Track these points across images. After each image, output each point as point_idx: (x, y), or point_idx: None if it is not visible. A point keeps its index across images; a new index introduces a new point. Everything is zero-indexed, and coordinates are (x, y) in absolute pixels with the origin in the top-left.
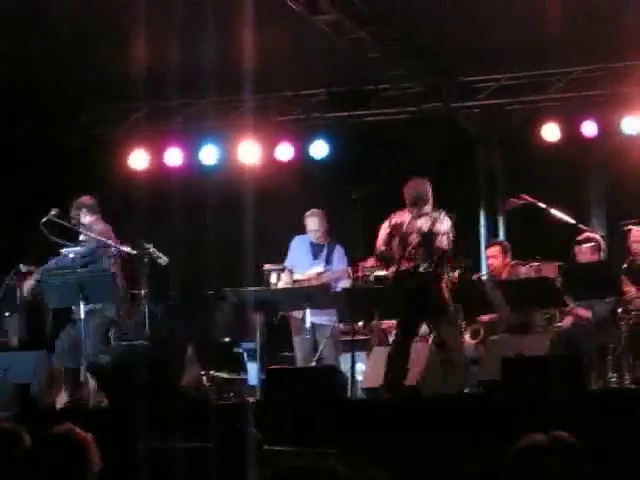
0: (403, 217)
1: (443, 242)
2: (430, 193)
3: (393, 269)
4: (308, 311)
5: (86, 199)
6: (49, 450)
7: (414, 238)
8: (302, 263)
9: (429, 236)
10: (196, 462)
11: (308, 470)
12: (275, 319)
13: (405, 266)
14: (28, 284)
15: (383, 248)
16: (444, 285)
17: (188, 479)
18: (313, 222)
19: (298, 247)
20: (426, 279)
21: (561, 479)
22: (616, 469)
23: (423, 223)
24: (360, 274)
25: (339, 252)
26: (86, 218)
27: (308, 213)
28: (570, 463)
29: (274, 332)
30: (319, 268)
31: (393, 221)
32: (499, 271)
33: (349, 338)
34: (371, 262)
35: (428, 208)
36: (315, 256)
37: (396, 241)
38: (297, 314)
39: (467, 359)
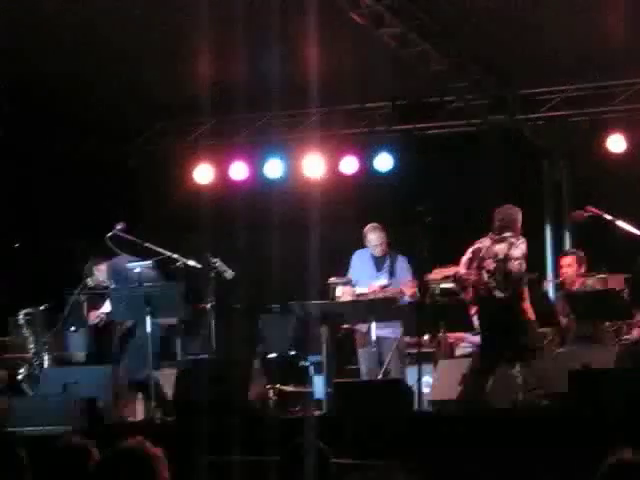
0: (484, 242)
1: (514, 266)
2: (518, 221)
3: (471, 293)
4: (374, 324)
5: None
6: (119, 464)
7: (489, 263)
8: (365, 276)
9: (504, 262)
10: (260, 476)
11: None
12: (340, 334)
13: (482, 292)
14: (95, 315)
15: (462, 272)
16: (529, 316)
17: None
18: (375, 236)
19: (360, 261)
20: (506, 310)
21: None
22: None
23: (500, 249)
24: (426, 286)
25: (402, 263)
26: None
27: (368, 227)
28: None
29: (339, 345)
30: (383, 280)
31: (476, 246)
32: (571, 281)
33: (414, 351)
34: (438, 274)
35: (510, 234)
36: (378, 268)
37: (474, 265)
38: (362, 327)
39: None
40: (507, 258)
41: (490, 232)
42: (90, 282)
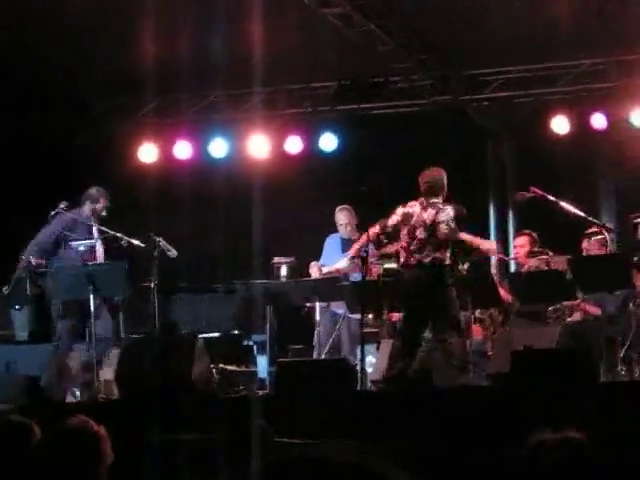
0: (414, 208)
1: (442, 229)
2: (444, 184)
3: (402, 260)
4: (317, 304)
5: (91, 190)
6: (62, 442)
7: (420, 232)
8: (333, 258)
9: (433, 228)
10: (204, 454)
11: (311, 459)
12: (303, 310)
13: (411, 260)
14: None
15: (390, 229)
16: (451, 284)
17: (196, 471)
18: (343, 216)
19: (329, 245)
20: (432, 276)
21: (572, 478)
22: (625, 463)
23: (428, 216)
24: (370, 266)
25: (367, 248)
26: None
27: (338, 208)
28: (580, 462)
29: (285, 325)
30: (345, 260)
31: (405, 210)
32: (524, 261)
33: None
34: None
35: (438, 200)
36: (344, 250)
37: (404, 231)
38: (323, 304)
39: (476, 352)
40: (435, 223)
41: (420, 197)
42: (32, 260)
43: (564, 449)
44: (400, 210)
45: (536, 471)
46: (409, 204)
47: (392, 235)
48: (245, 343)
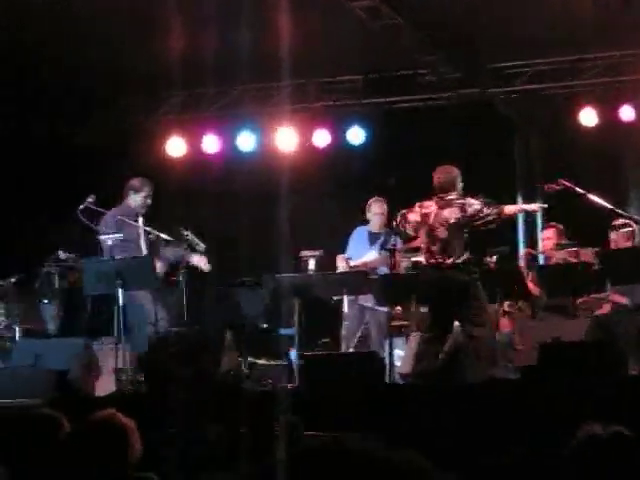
0: (430, 208)
1: (480, 222)
2: (457, 180)
3: (424, 261)
4: (346, 298)
5: (133, 181)
6: (90, 435)
7: (440, 232)
8: (360, 251)
9: (456, 228)
10: (232, 448)
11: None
12: (331, 302)
13: (434, 260)
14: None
15: (412, 225)
16: (478, 283)
17: (223, 465)
18: (378, 206)
19: (357, 237)
20: (457, 276)
21: (621, 473)
22: None
23: (449, 214)
24: (397, 259)
25: (394, 240)
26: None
27: (374, 199)
28: (630, 458)
29: (313, 318)
30: (374, 253)
31: (423, 211)
32: (551, 253)
33: (398, 323)
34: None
35: (454, 195)
36: (372, 243)
37: (424, 232)
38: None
39: (504, 345)
40: (464, 220)
41: (433, 196)
42: (61, 254)
43: (615, 444)
44: (417, 209)
45: (586, 465)
46: (425, 204)
47: (413, 229)
48: (274, 336)
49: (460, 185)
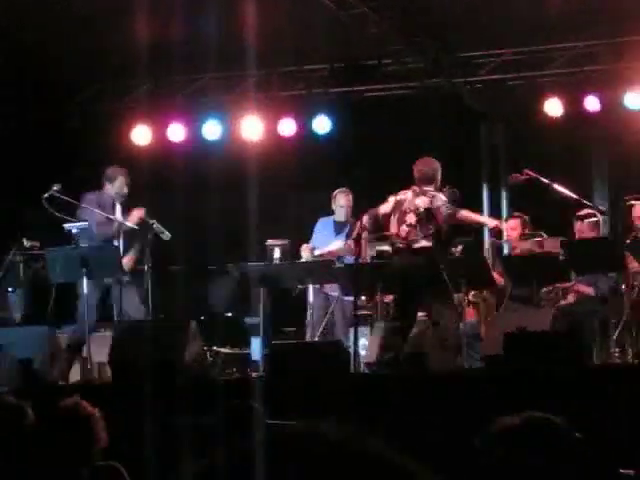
0: (406, 195)
1: (442, 210)
2: (438, 174)
3: (393, 247)
4: (311, 287)
5: (108, 170)
6: (55, 424)
7: (410, 217)
8: (325, 241)
9: (425, 215)
10: (198, 437)
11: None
12: (294, 292)
13: (401, 244)
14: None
15: (380, 218)
16: (441, 266)
17: (190, 454)
18: (343, 198)
19: (322, 228)
20: (423, 261)
21: (537, 460)
22: (616, 445)
23: (420, 202)
24: (363, 248)
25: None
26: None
27: (339, 190)
28: (547, 443)
29: (279, 307)
30: (339, 242)
31: (398, 197)
32: (516, 243)
33: (362, 313)
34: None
35: (431, 188)
36: (337, 233)
37: (395, 218)
38: (317, 286)
39: (469, 335)
40: (430, 210)
41: (412, 185)
42: (25, 242)
43: (524, 431)
44: (392, 198)
45: (495, 458)
46: (401, 192)
47: (383, 224)
48: (238, 325)
49: (439, 177)
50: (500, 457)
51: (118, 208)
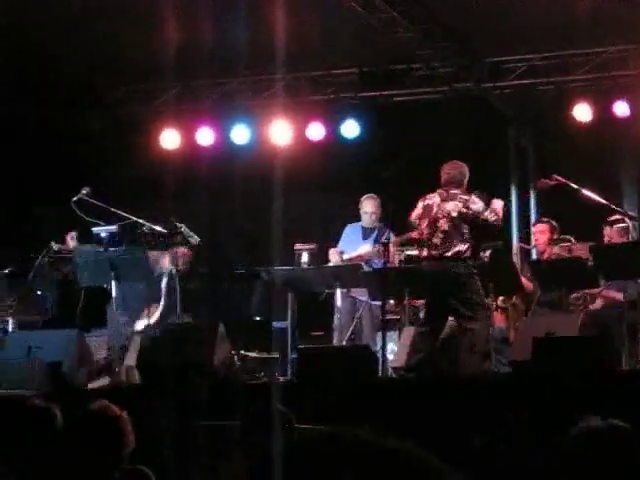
0: (434, 199)
1: (491, 217)
2: (466, 177)
3: (424, 253)
4: (339, 291)
5: None
6: (84, 427)
7: (443, 223)
8: (353, 246)
9: (458, 220)
10: (224, 440)
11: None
12: (321, 296)
13: (434, 251)
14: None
15: (416, 222)
16: (476, 277)
17: (216, 457)
18: (370, 205)
19: (350, 233)
20: (456, 269)
21: (618, 467)
22: None
23: (452, 207)
24: (391, 253)
25: (388, 234)
26: None
27: (365, 196)
28: (625, 451)
29: (307, 311)
30: (368, 247)
31: (425, 202)
32: (544, 248)
33: (391, 317)
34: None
35: (459, 191)
36: (365, 238)
37: (425, 223)
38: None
39: (498, 340)
40: (466, 215)
41: (438, 188)
42: (54, 246)
43: (613, 437)
44: (420, 204)
45: (582, 458)
46: (428, 196)
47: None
48: (266, 329)
49: (466, 181)
50: (582, 459)
51: None
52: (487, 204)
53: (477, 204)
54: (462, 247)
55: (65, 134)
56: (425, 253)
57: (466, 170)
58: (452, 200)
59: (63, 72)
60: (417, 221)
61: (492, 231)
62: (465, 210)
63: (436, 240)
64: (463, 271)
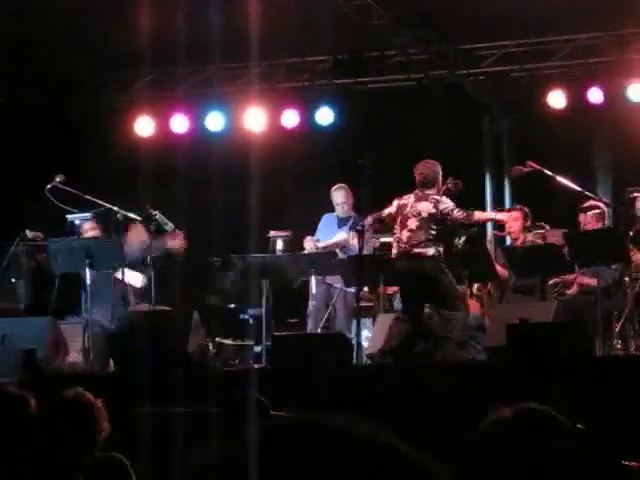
0: (409, 199)
1: (458, 215)
2: (439, 176)
3: (394, 251)
4: (313, 278)
5: None
6: (58, 414)
7: (412, 222)
8: (328, 236)
9: (426, 220)
10: (199, 427)
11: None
12: (296, 283)
13: (403, 248)
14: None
15: (384, 216)
16: (446, 271)
17: (191, 444)
18: (340, 195)
19: (326, 223)
20: (425, 267)
21: (530, 452)
22: (618, 437)
23: (424, 207)
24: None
25: (362, 223)
26: None
27: (334, 187)
28: (541, 433)
29: (281, 299)
30: (343, 234)
31: (401, 201)
32: (517, 235)
33: (364, 304)
34: (368, 220)
35: (433, 191)
36: (340, 227)
37: (398, 221)
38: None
39: (473, 327)
40: (436, 215)
41: (416, 189)
42: (29, 234)
43: (520, 421)
44: (395, 202)
45: (491, 450)
46: (405, 196)
47: (386, 223)
48: (241, 317)
49: (440, 179)
50: (495, 449)
51: None
52: (460, 192)
53: (446, 204)
54: (430, 248)
55: (42, 121)
56: (395, 251)
57: (439, 169)
58: (425, 200)
59: (39, 59)
60: (387, 216)
61: (461, 227)
62: (434, 210)
63: (404, 238)
64: (432, 269)
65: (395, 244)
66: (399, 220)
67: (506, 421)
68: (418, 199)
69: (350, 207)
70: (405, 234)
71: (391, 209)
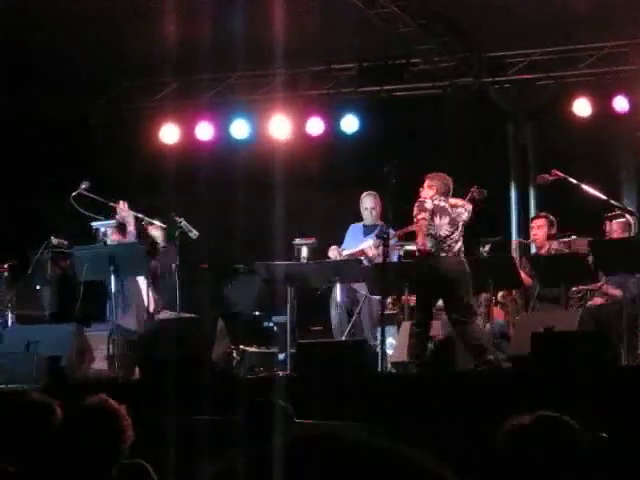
0: (442, 203)
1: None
2: (450, 187)
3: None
4: (338, 285)
5: None
6: (83, 421)
7: (460, 226)
8: (355, 245)
9: (462, 227)
10: (224, 436)
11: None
12: (320, 290)
13: (428, 249)
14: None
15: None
16: (468, 275)
17: (215, 453)
18: (370, 201)
19: (352, 233)
20: (450, 266)
21: (548, 460)
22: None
23: (461, 212)
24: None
25: (387, 230)
26: None
27: (365, 193)
28: (558, 443)
29: (305, 306)
30: (370, 242)
31: (435, 203)
32: (542, 243)
33: (390, 311)
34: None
35: (456, 200)
36: (366, 236)
37: (445, 221)
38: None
39: (497, 335)
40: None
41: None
42: (54, 240)
43: (539, 430)
44: (428, 204)
45: (512, 456)
46: (433, 197)
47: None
48: (266, 324)
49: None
50: (512, 455)
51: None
52: (484, 200)
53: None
54: (457, 247)
55: (66, 129)
56: (421, 250)
57: (449, 180)
58: (456, 208)
59: (64, 66)
60: (426, 214)
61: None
62: (467, 215)
63: (432, 240)
64: (457, 271)
65: (420, 242)
66: (448, 220)
67: (523, 428)
68: (453, 205)
69: (378, 214)
70: (454, 238)
71: (428, 206)
